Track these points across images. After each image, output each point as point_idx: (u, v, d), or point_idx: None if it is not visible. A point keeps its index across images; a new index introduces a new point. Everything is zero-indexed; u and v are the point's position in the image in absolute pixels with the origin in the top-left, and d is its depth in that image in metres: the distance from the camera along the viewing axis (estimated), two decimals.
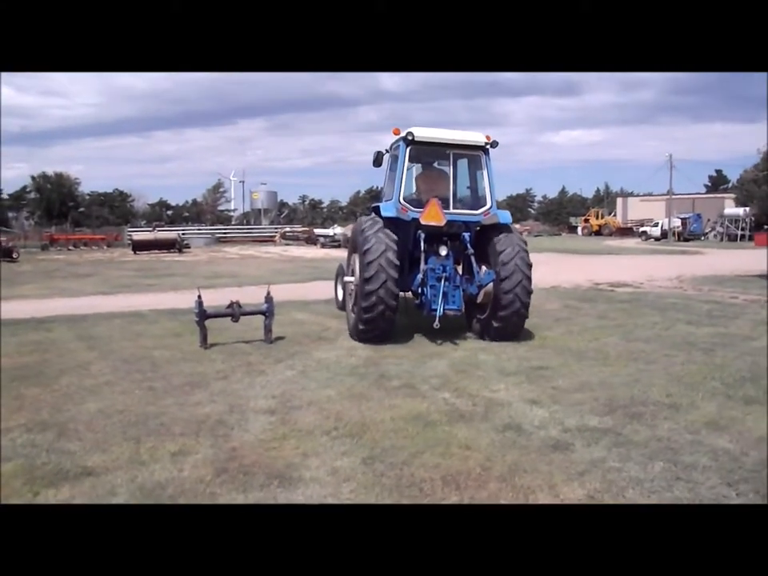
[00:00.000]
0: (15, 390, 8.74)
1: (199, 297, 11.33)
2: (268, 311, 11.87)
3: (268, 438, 6.81)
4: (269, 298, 11.90)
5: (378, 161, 13.59)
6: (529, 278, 11.99)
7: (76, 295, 21.07)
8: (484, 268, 12.30)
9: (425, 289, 12.13)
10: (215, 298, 13.21)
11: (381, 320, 11.60)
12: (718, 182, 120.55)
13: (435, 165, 13.88)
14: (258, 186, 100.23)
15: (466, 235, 12.50)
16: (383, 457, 6.26)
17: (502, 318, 11.95)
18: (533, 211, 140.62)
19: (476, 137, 12.82)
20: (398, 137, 12.93)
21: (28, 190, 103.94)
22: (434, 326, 11.59)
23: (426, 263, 12.12)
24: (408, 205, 12.41)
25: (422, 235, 12.26)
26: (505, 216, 12.83)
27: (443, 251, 12.25)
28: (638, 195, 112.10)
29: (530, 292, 12.05)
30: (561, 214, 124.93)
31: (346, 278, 13.49)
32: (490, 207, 12.65)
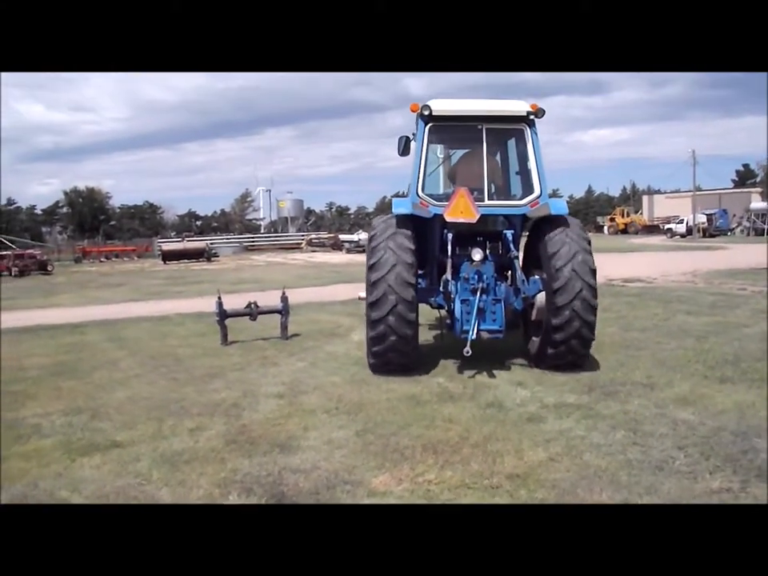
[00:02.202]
0: (54, 383, 9.81)
1: (219, 298, 12.36)
2: (284, 310, 12.80)
3: (275, 417, 7.70)
4: (284, 298, 12.86)
5: (405, 148, 11.04)
6: (592, 289, 9.26)
7: (108, 303, 22.21)
8: (537, 276, 9.85)
9: (455, 304, 9.66)
10: (238, 302, 13.91)
11: (393, 353, 9.36)
12: (745, 177, 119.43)
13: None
14: (285, 195, 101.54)
15: (509, 233, 10.05)
16: (374, 429, 7.11)
17: (557, 342, 9.35)
18: None
19: (516, 106, 10.13)
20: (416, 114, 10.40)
21: (60, 204, 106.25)
22: (465, 352, 8.97)
23: (456, 272, 9.81)
24: (429, 198, 9.94)
25: (450, 236, 9.84)
26: (558, 205, 10.10)
27: (477, 255, 9.64)
28: (664, 192, 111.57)
29: (594, 307, 9.31)
30: (588, 214, 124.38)
31: (360, 294, 10.85)
32: (539, 195, 9.90)
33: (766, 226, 68.66)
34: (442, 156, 12.00)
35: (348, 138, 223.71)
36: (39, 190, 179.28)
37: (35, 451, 6.79)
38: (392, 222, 9.75)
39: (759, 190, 76.73)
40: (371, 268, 9.36)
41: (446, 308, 10.19)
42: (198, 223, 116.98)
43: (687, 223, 73.19)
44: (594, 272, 9.32)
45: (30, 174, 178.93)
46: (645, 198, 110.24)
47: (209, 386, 9.35)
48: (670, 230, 75.03)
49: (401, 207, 9.98)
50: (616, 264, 29.65)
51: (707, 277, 23.85)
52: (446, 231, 9.89)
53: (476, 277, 9.67)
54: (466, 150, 11.21)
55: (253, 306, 12.81)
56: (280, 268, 40.49)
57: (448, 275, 9.53)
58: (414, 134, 10.81)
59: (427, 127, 10.01)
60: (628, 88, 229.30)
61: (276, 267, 41.77)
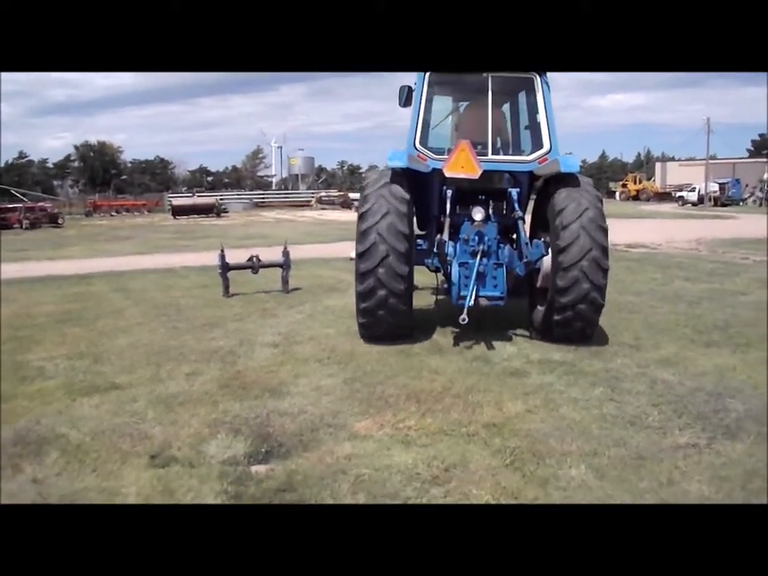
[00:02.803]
0: (59, 330, 10.12)
1: (222, 251, 12.68)
2: (285, 264, 13.12)
3: (268, 364, 8.01)
4: (286, 252, 13.15)
5: (407, 99, 9.99)
6: (603, 248, 8.49)
7: (116, 255, 22.57)
8: (542, 239, 9.01)
9: (452, 268, 8.93)
10: (243, 256, 13.94)
11: (384, 311, 8.55)
12: (761, 147, 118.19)
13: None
14: (296, 152, 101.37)
15: (514, 192, 9.25)
16: (362, 378, 7.40)
17: (563, 306, 8.57)
18: None
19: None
20: None
21: (72, 158, 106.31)
22: (461, 319, 8.24)
23: (456, 232, 9.13)
24: (427, 152, 9.20)
25: (449, 193, 9.11)
26: (569, 162, 9.10)
27: (479, 215, 8.95)
28: (678, 160, 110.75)
29: (604, 269, 8.53)
30: (600, 179, 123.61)
31: (351, 254, 9.73)
32: (549, 151, 9.15)
33: None
34: (450, 109, 11.18)
35: (362, 96, 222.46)
36: (52, 144, 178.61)
37: (38, 391, 7.12)
38: (385, 194, 8.70)
39: None
40: (361, 217, 8.61)
41: (443, 271, 9.56)
42: (210, 179, 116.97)
43: (699, 191, 72.69)
44: (605, 231, 8.57)
45: (42, 127, 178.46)
46: (658, 165, 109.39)
47: (207, 334, 9.65)
48: (681, 197, 74.66)
49: (396, 160, 8.93)
50: (623, 230, 29.22)
51: (711, 245, 23.91)
52: (444, 188, 9.18)
53: (476, 238, 8.91)
54: (471, 101, 10.40)
55: (255, 259, 13.14)
56: (288, 225, 40.67)
57: (445, 235, 8.81)
58: (415, 83, 9.75)
59: (427, 75, 9.32)
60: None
61: (284, 224, 41.91)
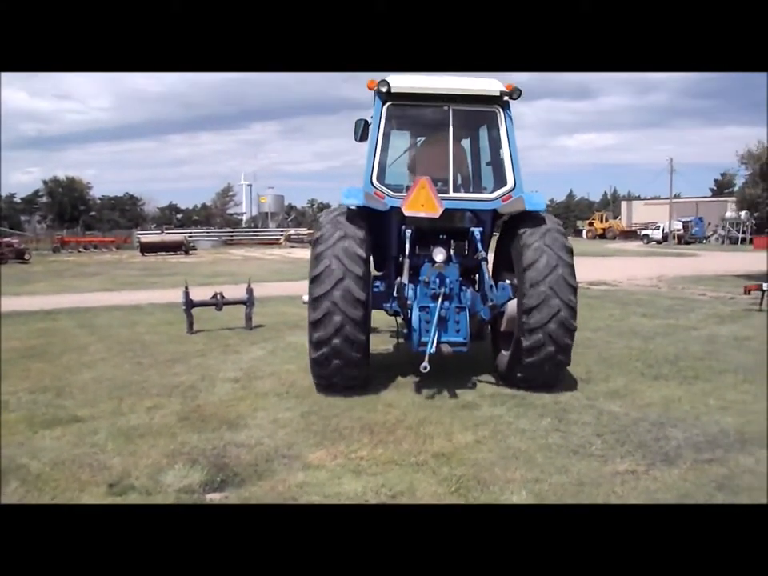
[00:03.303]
0: (23, 365, 10.26)
1: (186, 288, 12.92)
2: (248, 301, 13.35)
3: (228, 399, 8.24)
4: (249, 290, 13.38)
5: (363, 133, 9.72)
6: (572, 309, 8.18)
7: (82, 291, 22.63)
8: (507, 281, 8.70)
9: (412, 312, 8.44)
10: (210, 294, 14.11)
11: (339, 341, 7.93)
12: (723, 186, 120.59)
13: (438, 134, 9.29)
14: (266, 191, 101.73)
15: (477, 231, 8.82)
16: (318, 411, 7.65)
17: (528, 365, 8.30)
18: None
19: (488, 84, 8.76)
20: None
21: (40, 194, 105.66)
22: (422, 368, 7.76)
23: (415, 274, 8.67)
24: (385, 189, 8.61)
25: (408, 233, 8.65)
26: (535, 200, 8.71)
27: (440, 255, 8.53)
28: (644, 199, 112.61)
29: (572, 330, 8.27)
30: (568, 218, 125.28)
31: (304, 298, 8.98)
32: (513, 188, 8.71)
33: (740, 235, 69.74)
34: (408, 144, 10.41)
35: (334, 134, 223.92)
36: (20, 178, 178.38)
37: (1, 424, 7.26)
38: (341, 221, 8.29)
39: (734, 199, 77.56)
40: (314, 280, 8.00)
41: (402, 316, 8.85)
42: (179, 216, 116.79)
43: (663, 230, 74.32)
44: (574, 289, 8.24)
45: (11, 162, 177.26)
46: (624, 204, 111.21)
47: (170, 369, 9.86)
48: (646, 235, 76.12)
49: (352, 198, 8.47)
50: (587, 268, 29.34)
51: (672, 282, 24.55)
52: (404, 227, 8.68)
53: (437, 280, 8.49)
54: (430, 135, 9.68)
55: (219, 296, 13.39)
56: (256, 263, 40.82)
57: (404, 278, 8.18)
58: (372, 117, 9.18)
59: (385, 107, 8.72)
60: (614, 94, 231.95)
61: (252, 262, 42.06)
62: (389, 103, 8.72)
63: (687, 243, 69.66)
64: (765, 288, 16.11)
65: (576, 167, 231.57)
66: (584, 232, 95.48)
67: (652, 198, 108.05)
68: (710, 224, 77.16)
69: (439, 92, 8.62)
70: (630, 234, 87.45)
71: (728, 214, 72.73)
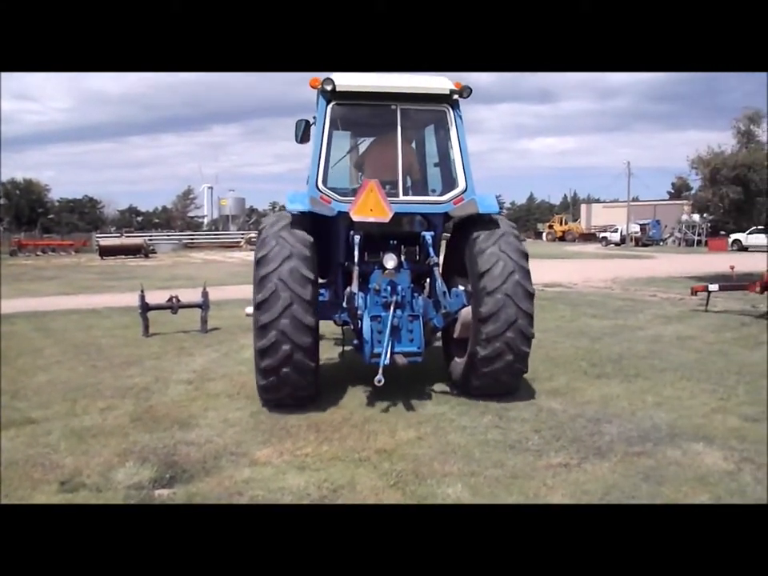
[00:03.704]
0: None
1: (142, 291, 13.10)
2: (204, 305, 13.60)
3: (180, 400, 8.47)
4: (204, 293, 13.62)
5: (304, 134, 9.39)
6: (529, 316, 8.00)
7: (39, 295, 22.51)
8: (461, 286, 8.51)
9: (363, 322, 8.08)
10: (166, 297, 14.33)
11: (289, 369, 7.51)
12: (680, 189, 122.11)
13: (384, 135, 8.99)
14: (227, 193, 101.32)
15: (428, 235, 8.50)
16: (267, 411, 7.89)
17: (485, 374, 8.10)
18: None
19: (437, 83, 8.48)
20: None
21: None
22: (376, 381, 7.47)
23: (365, 282, 8.31)
24: (331, 193, 8.17)
25: (357, 238, 8.22)
26: (487, 202, 8.51)
27: (391, 262, 8.29)
28: (603, 202, 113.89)
29: (529, 337, 8.08)
30: (529, 221, 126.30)
31: (247, 310, 9.22)
32: (464, 190, 8.38)
33: (696, 238, 70.89)
34: (349, 145, 10.14)
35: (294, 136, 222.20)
36: None
37: None
38: (285, 237, 7.78)
39: (689, 202, 78.69)
40: (259, 262, 7.63)
41: (352, 326, 8.40)
42: (139, 219, 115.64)
43: (621, 232, 75.33)
44: (531, 296, 8.04)
45: None
46: (583, 207, 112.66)
47: (125, 372, 10.05)
48: (605, 238, 76.89)
49: (297, 203, 8.17)
50: (544, 270, 29.84)
51: (625, 284, 25.02)
52: (352, 233, 8.27)
53: (389, 288, 8.19)
54: (378, 136, 9.39)
55: (174, 299, 13.58)
56: (216, 266, 40.77)
57: (354, 287, 7.85)
58: (314, 118, 8.83)
59: (329, 106, 8.30)
60: (576, 98, 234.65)
61: (212, 265, 42.05)
62: (333, 102, 8.30)
63: (645, 245, 70.45)
64: (710, 289, 16.67)
65: (537, 170, 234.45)
66: (544, 234, 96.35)
67: (611, 201, 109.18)
68: (666, 227, 78.32)
69: (386, 90, 8.26)
70: (589, 237, 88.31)
71: (684, 217, 73.89)
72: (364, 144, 10.02)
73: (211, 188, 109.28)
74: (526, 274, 8.02)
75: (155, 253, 59.02)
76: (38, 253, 61.46)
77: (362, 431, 7.15)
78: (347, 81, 8.11)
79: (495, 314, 7.81)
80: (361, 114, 9.10)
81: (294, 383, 7.62)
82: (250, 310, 8.46)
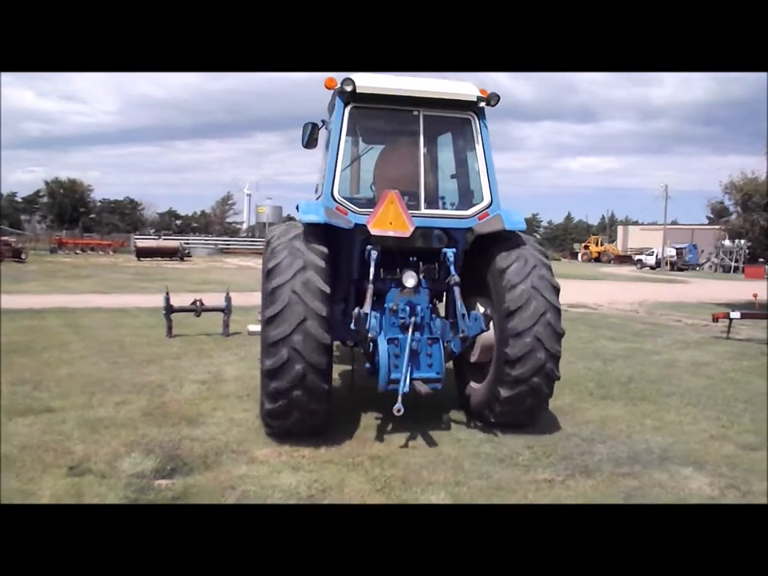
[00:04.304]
0: (7, 359, 10.88)
1: (167, 293, 13.61)
2: (226, 309, 14.04)
3: (193, 398, 8.87)
4: (227, 298, 14.10)
5: (311, 138, 8.96)
6: (557, 310, 7.44)
7: (73, 293, 23.25)
8: (480, 307, 7.75)
9: (378, 346, 7.39)
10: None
11: (300, 393, 6.75)
12: (719, 214, 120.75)
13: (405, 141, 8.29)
14: (265, 201, 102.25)
15: (450, 252, 7.79)
16: None
17: (516, 380, 7.37)
18: (538, 236, 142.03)
19: (463, 89, 7.85)
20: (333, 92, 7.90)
21: (41, 194, 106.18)
22: (395, 410, 6.82)
23: (378, 301, 7.67)
24: (347, 203, 7.55)
25: (374, 254, 7.51)
26: (513, 219, 7.78)
27: (411, 280, 7.64)
28: (641, 224, 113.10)
29: (560, 334, 7.48)
30: (565, 240, 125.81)
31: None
32: (489, 204, 7.83)
33: (733, 264, 70.05)
34: (358, 151, 9.15)
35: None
36: (22, 177, 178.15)
37: None
38: (299, 246, 7.07)
39: (724, 228, 77.57)
40: (270, 321, 6.73)
41: (363, 349, 7.85)
42: (178, 222, 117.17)
43: (657, 255, 74.87)
44: (557, 290, 7.53)
45: (14, 160, 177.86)
46: (620, 229, 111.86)
47: (144, 369, 10.51)
48: (640, 260, 76.51)
49: (312, 214, 7.31)
50: (573, 290, 29.90)
51: (652, 308, 24.91)
52: (369, 248, 7.56)
53: (407, 308, 7.58)
54: (398, 143, 8.67)
55: (198, 303, 14.05)
56: (249, 272, 41.12)
57: (367, 306, 7.18)
58: (323, 121, 8.60)
59: (347, 109, 7.66)
60: (618, 118, 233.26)
61: (245, 271, 42.57)
62: (352, 105, 7.66)
63: (680, 270, 69.97)
64: (732, 316, 16.48)
65: (577, 189, 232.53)
66: (579, 255, 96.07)
67: (649, 224, 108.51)
68: (703, 251, 77.64)
69: (410, 94, 7.63)
70: (624, 259, 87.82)
71: (724, 242, 73.08)
72: (372, 151, 9.02)
73: (250, 195, 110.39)
74: (557, 312, 7.46)
75: (190, 256, 59.95)
76: (78, 251, 62.83)
77: (360, 438, 7.44)
78: (368, 82, 7.52)
79: (523, 359, 7.28)
80: (380, 118, 8.46)
81: (306, 408, 6.88)
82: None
